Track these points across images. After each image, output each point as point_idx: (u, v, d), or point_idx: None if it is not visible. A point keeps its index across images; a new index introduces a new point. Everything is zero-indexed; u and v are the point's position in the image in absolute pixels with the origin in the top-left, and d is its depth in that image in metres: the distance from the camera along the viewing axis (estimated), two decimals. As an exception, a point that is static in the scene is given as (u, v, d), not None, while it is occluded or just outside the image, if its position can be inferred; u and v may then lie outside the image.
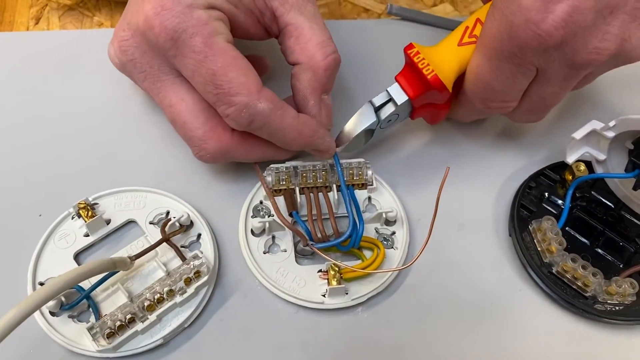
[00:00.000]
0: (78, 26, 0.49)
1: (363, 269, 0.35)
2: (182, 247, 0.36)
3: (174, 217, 0.36)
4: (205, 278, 0.34)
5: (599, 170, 0.38)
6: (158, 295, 0.33)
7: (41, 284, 0.34)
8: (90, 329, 0.31)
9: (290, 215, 0.36)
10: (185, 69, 0.33)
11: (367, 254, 0.37)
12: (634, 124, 0.34)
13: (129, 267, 0.34)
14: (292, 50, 0.37)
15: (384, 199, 0.39)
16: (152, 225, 0.37)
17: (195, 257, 0.34)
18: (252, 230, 0.37)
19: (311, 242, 0.35)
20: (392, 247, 0.37)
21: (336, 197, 0.38)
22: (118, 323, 0.32)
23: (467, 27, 0.36)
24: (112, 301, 0.34)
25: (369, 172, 0.39)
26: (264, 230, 0.37)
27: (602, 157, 0.37)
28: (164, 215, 0.37)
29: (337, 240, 0.34)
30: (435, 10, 0.52)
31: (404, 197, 0.40)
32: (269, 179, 0.37)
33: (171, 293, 0.33)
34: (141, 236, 0.37)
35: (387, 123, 0.38)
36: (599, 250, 0.37)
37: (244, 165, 0.40)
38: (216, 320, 0.35)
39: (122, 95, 0.43)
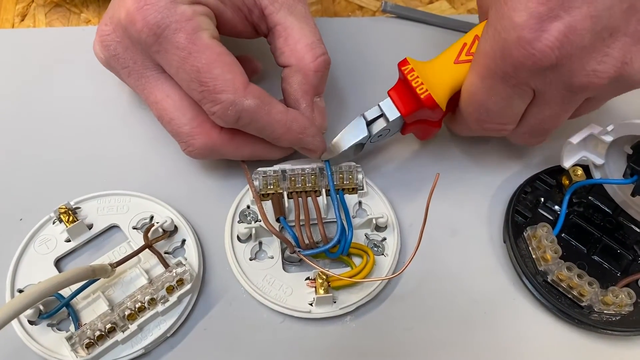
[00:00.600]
0: (65, 23, 0.48)
1: (352, 276, 0.34)
2: (166, 253, 0.35)
3: (157, 223, 0.35)
4: (189, 286, 0.33)
5: (596, 175, 0.37)
6: (139, 304, 0.32)
7: (20, 290, 0.34)
8: (68, 339, 0.30)
9: (278, 220, 0.35)
10: (168, 66, 0.33)
11: (357, 260, 0.36)
12: (633, 128, 0.33)
13: (110, 275, 0.33)
14: (281, 51, 0.36)
15: (374, 203, 0.38)
16: (135, 230, 0.36)
17: (179, 264, 0.33)
18: (238, 236, 0.36)
19: (298, 249, 0.34)
20: (383, 254, 0.36)
21: (325, 201, 0.37)
22: (97, 333, 0.31)
23: (464, 44, 0.35)
24: (93, 309, 0.33)
25: (360, 176, 0.38)
26: (250, 236, 0.36)
27: (599, 161, 0.36)
28: (147, 220, 0.36)
29: (324, 247, 0.34)
30: (431, 8, 0.50)
31: (396, 202, 0.39)
32: (256, 183, 0.36)
33: (153, 302, 0.32)
34: (124, 242, 0.36)
35: (377, 138, 0.36)
36: (596, 258, 0.36)
37: (230, 167, 0.39)
38: (200, 329, 0.34)
39: (108, 96, 0.42)
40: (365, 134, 0.35)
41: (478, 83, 0.33)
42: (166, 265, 0.34)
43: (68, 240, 0.35)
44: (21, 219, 0.37)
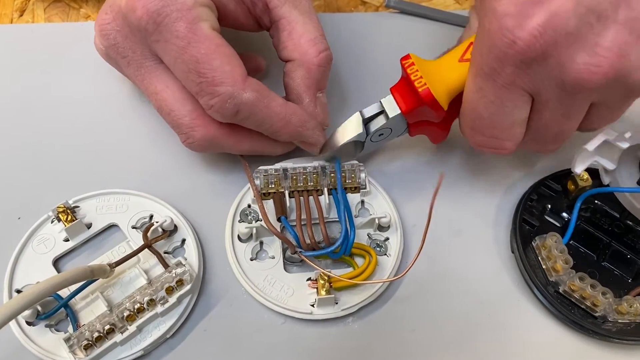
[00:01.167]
0: (64, 18, 0.47)
1: (354, 277, 0.33)
2: (165, 252, 0.35)
3: (157, 222, 0.34)
4: (188, 287, 0.32)
5: (606, 179, 0.36)
6: (138, 304, 0.31)
7: (18, 291, 0.33)
8: (66, 340, 0.30)
9: (279, 220, 0.35)
10: (167, 55, 0.32)
11: (359, 261, 0.35)
12: None
13: (109, 275, 0.33)
14: (284, 45, 0.36)
15: (377, 203, 0.37)
16: (134, 229, 0.35)
17: (178, 264, 0.33)
18: (238, 236, 0.36)
19: (299, 250, 0.33)
20: (385, 254, 0.36)
21: (327, 201, 0.36)
22: (96, 334, 0.30)
23: (471, 43, 0.33)
24: (91, 310, 0.33)
25: (363, 175, 0.37)
26: (251, 235, 0.35)
27: (611, 167, 0.35)
28: (147, 220, 0.36)
29: (326, 250, 0.33)
30: (435, 3, 0.50)
31: (399, 201, 0.38)
32: (257, 182, 0.36)
33: (152, 303, 0.32)
34: (123, 241, 0.35)
35: (378, 137, 0.36)
36: (606, 264, 0.35)
37: (231, 165, 0.38)
38: (200, 330, 0.33)
39: (108, 92, 0.42)
40: (361, 131, 0.34)
41: (470, 83, 0.31)
42: (166, 265, 0.33)
43: (66, 240, 0.35)
44: (19, 218, 0.36)
